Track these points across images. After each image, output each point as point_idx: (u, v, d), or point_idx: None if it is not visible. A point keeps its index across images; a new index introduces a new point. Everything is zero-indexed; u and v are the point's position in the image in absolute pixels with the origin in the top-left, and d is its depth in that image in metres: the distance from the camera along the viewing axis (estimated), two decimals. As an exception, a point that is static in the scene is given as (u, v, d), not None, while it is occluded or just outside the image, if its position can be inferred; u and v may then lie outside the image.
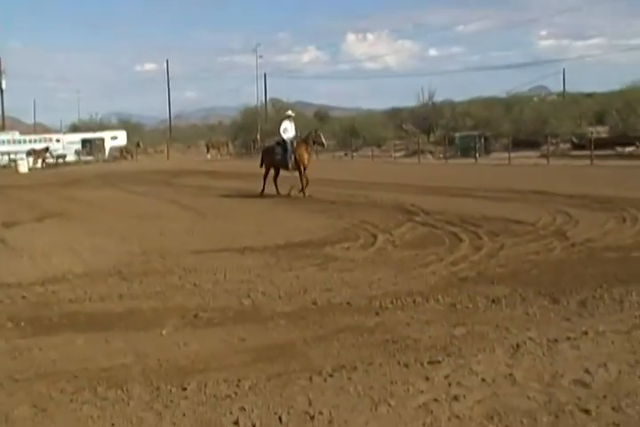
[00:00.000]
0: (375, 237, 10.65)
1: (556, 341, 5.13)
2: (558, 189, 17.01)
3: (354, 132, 56.04)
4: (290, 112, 20.70)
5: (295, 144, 19.41)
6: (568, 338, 5.19)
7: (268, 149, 21.19)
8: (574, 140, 39.73)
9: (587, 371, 4.47)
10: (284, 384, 4.43)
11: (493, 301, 6.45)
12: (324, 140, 20.19)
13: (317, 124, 73.42)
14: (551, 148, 36.16)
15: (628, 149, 34.04)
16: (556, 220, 11.81)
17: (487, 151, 41.54)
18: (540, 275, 7.57)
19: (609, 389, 4.16)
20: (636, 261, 8.03)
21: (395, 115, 66.54)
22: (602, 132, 41.02)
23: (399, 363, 4.76)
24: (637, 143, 32.09)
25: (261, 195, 19.27)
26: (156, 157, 61.13)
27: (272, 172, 19.71)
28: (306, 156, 19.27)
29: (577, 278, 7.25)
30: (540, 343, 5.09)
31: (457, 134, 45.22)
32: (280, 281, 7.64)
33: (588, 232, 10.33)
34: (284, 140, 19.55)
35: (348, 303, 6.55)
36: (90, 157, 55.43)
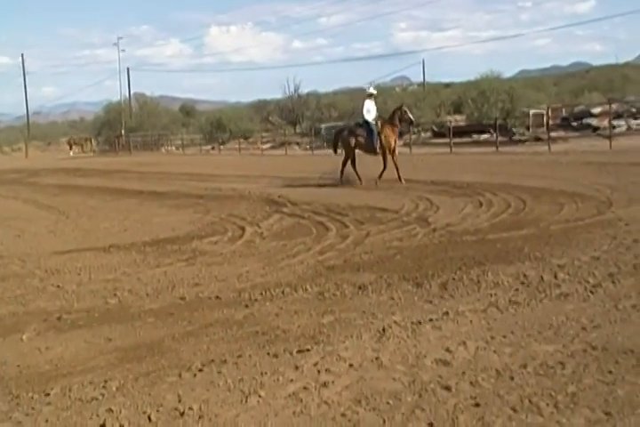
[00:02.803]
0: (243, 229, 10.66)
1: (419, 323, 5.31)
2: (421, 177, 17.57)
3: (220, 126, 55.80)
4: (372, 89, 18.91)
5: (380, 125, 17.65)
6: (430, 320, 5.39)
7: (344, 130, 19.08)
8: (435, 128, 41.19)
9: (448, 350, 4.66)
10: (152, 383, 4.35)
11: (360, 287, 6.60)
12: (411, 116, 18.12)
13: (183, 118, 72.49)
14: (413, 136, 37.29)
15: (484, 137, 35.62)
16: (419, 206, 12.22)
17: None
18: (404, 260, 7.81)
19: (468, 365, 4.35)
20: (492, 243, 8.43)
21: (261, 107, 66.79)
22: (460, 120, 42.74)
23: (269, 354, 4.78)
24: (491, 131, 33.61)
25: (342, 182, 17.83)
26: (14, 155, 58.40)
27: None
28: (393, 137, 17.71)
29: (438, 262, 7.53)
30: (404, 326, 5.25)
31: (323, 125, 45.82)
32: (147, 278, 7.51)
33: (448, 217, 10.75)
34: (367, 122, 17.80)
35: (217, 297, 6.52)
36: None
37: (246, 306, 6.16)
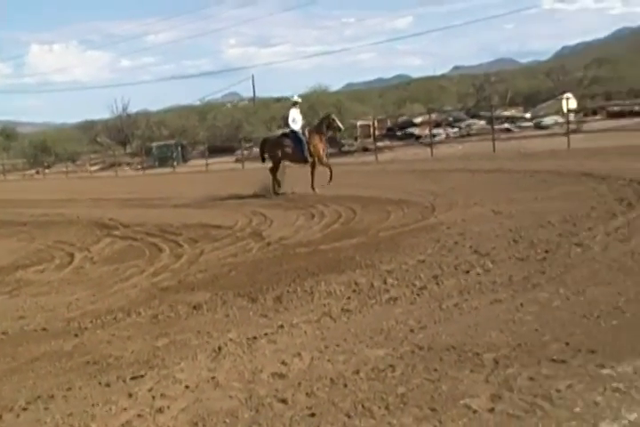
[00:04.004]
0: (72, 255, 10.27)
1: (254, 338, 5.32)
2: (252, 191, 17.59)
3: (45, 149, 53.52)
4: (296, 98, 18.33)
5: (307, 134, 17.19)
6: (266, 334, 5.41)
7: (271, 141, 18.29)
8: (266, 143, 41.54)
9: (283, 363, 4.69)
10: (-30, 428, 4.08)
11: (194, 307, 6.53)
12: (339, 124, 17.66)
13: (3, 141, 68.79)
14: (245, 152, 37.48)
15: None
16: (253, 221, 12.28)
17: (185, 159, 42.04)
18: (239, 276, 7.81)
19: (303, 376, 4.41)
20: (324, 254, 8.61)
21: (89, 128, 64.91)
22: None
23: (100, 383, 4.61)
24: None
25: (276, 194, 16.93)
26: None
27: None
28: (321, 146, 17.20)
29: (273, 276, 7.59)
30: (240, 343, 5.24)
31: (154, 144, 45.12)
32: (-34, 315, 7.03)
33: (282, 231, 10.88)
34: (293, 131, 17.28)
35: (44, 329, 6.23)
36: None
37: (76, 335, 5.92)
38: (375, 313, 5.76)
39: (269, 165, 17.81)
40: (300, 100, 18.20)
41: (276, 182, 17.31)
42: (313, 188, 16.74)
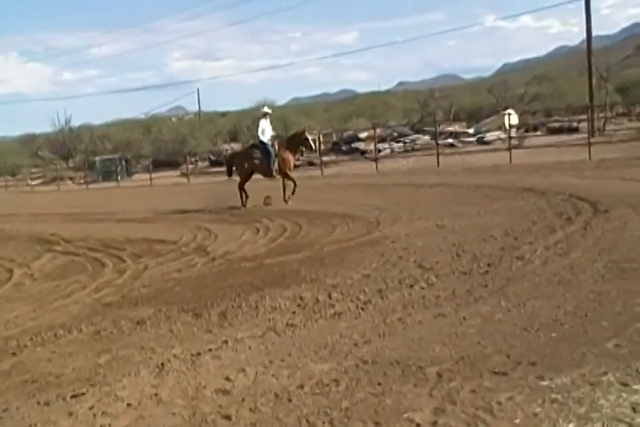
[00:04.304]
0: (11, 272, 10.04)
1: (199, 354, 5.27)
2: (199, 206, 17.48)
3: (-17, 162, 52.20)
4: (266, 109, 17.76)
5: (277, 147, 16.81)
6: (210, 350, 5.37)
7: (240, 154, 17.96)
8: (212, 157, 41.45)
9: (227, 378, 4.66)
10: None
11: (138, 323, 6.45)
12: (312, 144, 17.19)
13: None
14: (191, 166, 37.27)
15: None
16: (197, 236, 12.19)
17: (129, 173, 41.56)
18: (183, 291, 7.74)
19: (247, 392, 4.39)
20: (269, 268, 8.60)
21: (30, 141, 63.68)
22: (236, 148, 43.28)
23: (39, 403, 4.51)
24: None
25: (245, 205, 16.68)
26: None
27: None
28: (291, 159, 16.87)
29: (217, 291, 7.54)
30: (184, 359, 5.19)
31: (97, 158, 44.48)
32: None
33: (227, 245, 10.82)
34: (263, 143, 16.83)
35: (-19, 348, 6.06)
36: None
37: (14, 354, 5.78)
38: (320, 328, 5.76)
39: (234, 179, 17.68)
40: (269, 111, 17.78)
41: (244, 195, 17.04)
42: (285, 200, 16.54)
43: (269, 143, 16.88)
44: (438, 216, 11.59)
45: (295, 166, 17.48)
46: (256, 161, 16.93)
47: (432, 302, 6.23)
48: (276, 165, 16.69)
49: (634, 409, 3.62)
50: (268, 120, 17.23)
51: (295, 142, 17.17)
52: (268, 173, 17.09)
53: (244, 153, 17.89)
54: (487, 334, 5.13)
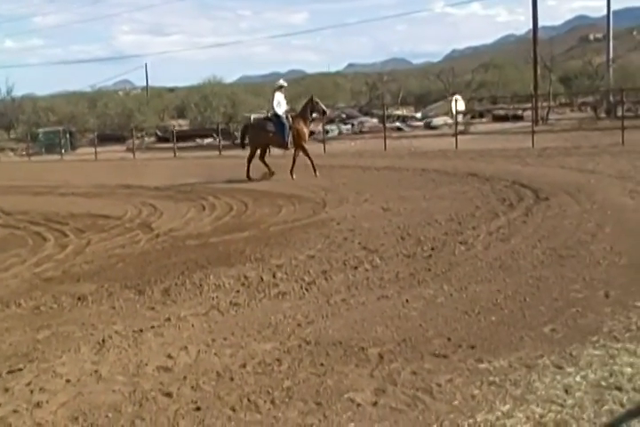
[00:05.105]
0: (-53, 244, 9.75)
1: (141, 331, 5.24)
2: (145, 182, 17.32)
3: None
4: (282, 81, 17.60)
5: (291, 118, 16.61)
6: (152, 327, 5.34)
7: (253, 125, 17.58)
8: (159, 133, 40.87)
9: (169, 356, 4.65)
10: None
11: (79, 299, 6.36)
12: (324, 107, 17.17)
13: None
14: (137, 141, 36.68)
15: (207, 141, 36.00)
16: (142, 212, 12.05)
17: (73, 147, 40.62)
18: (126, 268, 7.65)
19: (189, 370, 4.38)
20: (214, 247, 8.56)
21: (-31, 110, 61.56)
22: (184, 125, 42.84)
23: (-26, 378, 4.42)
24: (214, 135, 34.03)
25: (249, 178, 16.40)
26: None
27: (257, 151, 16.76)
28: (306, 131, 16.57)
29: (161, 268, 7.48)
30: (125, 336, 5.15)
31: (40, 130, 43.28)
32: None
33: (172, 222, 10.73)
34: (277, 115, 16.61)
35: None
36: None
37: (-51, 327, 5.64)
38: (264, 307, 5.78)
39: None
40: (285, 84, 17.66)
41: (265, 165, 16.88)
42: (291, 173, 16.41)
43: (284, 116, 16.77)
44: (384, 199, 11.68)
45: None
46: (270, 134, 16.81)
47: (376, 283, 6.30)
48: (290, 138, 16.65)
49: (566, 391, 3.74)
50: (284, 93, 17.20)
51: (307, 111, 17.08)
52: (282, 146, 17.14)
53: (258, 125, 17.73)
54: (429, 316, 5.22)
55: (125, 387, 4.15)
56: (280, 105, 16.83)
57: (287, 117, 16.80)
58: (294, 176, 16.28)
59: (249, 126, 18.55)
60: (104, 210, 12.52)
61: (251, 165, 16.91)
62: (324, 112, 17.80)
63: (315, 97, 17.60)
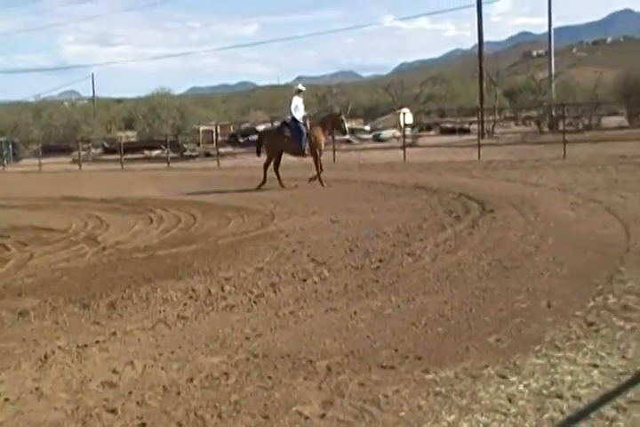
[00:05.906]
0: None
1: (85, 346, 5.13)
2: (90, 195, 17.06)
3: None
4: (300, 86, 17.31)
5: (309, 125, 16.31)
6: (97, 342, 5.23)
7: (271, 131, 17.31)
8: (105, 144, 40.41)
9: (114, 371, 4.56)
10: None
11: (20, 314, 6.20)
12: (346, 127, 16.96)
13: None
14: (83, 153, 36.16)
15: (155, 153, 35.74)
16: (88, 225, 11.85)
17: (16, 158, 39.88)
18: (71, 282, 7.50)
19: (135, 385, 4.31)
20: (162, 260, 8.46)
21: None
22: (131, 136, 42.44)
23: None
24: (163, 147, 33.80)
25: (261, 187, 16.23)
26: None
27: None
28: (323, 139, 16.23)
29: (107, 282, 7.36)
30: (69, 351, 5.04)
31: (-20, 140, 42.37)
32: None
33: (119, 235, 10.58)
34: (295, 120, 16.13)
35: None
36: None
37: None
38: (211, 320, 5.73)
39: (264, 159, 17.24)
40: (304, 88, 17.54)
41: (277, 176, 16.69)
42: (320, 181, 16.21)
43: (302, 121, 16.53)
44: (333, 211, 11.72)
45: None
46: (286, 139, 16.48)
47: (324, 296, 6.30)
48: (307, 144, 16.35)
49: (510, 400, 3.79)
50: (302, 98, 16.99)
51: (328, 123, 16.90)
52: (299, 152, 16.81)
53: (275, 131, 17.46)
54: (377, 328, 5.24)
55: (68, 404, 4.06)
56: (298, 109, 16.62)
57: (305, 123, 16.55)
58: (324, 184, 16.12)
59: (266, 132, 18.41)
60: (48, 223, 12.28)
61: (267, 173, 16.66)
62: (344, 132, 17.70)
63: (343, 115, 17.56)
